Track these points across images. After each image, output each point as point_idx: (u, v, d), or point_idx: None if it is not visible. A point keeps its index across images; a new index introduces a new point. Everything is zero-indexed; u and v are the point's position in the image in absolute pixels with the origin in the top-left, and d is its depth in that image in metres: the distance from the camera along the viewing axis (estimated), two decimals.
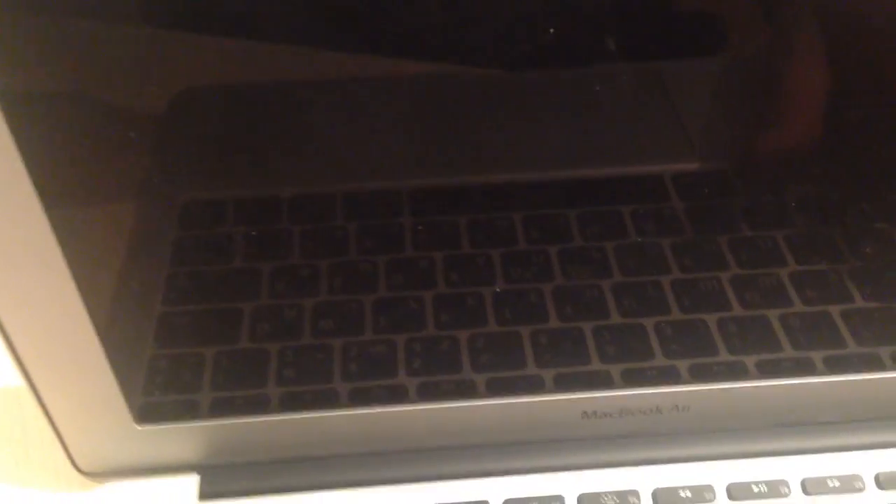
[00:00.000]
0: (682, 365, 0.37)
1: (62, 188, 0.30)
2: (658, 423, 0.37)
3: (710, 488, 0.36)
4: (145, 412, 0.35)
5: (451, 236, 0.38)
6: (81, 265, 0.30)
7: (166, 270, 0.37)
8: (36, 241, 0.29)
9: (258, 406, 0.36)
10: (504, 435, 0.37)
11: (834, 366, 0.36)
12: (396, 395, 0.36)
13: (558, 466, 0.37)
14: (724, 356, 0.37)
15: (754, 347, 0.37)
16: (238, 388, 0.36)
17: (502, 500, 0.36)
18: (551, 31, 0.30)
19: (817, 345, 0.37)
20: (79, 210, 0.32)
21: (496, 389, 0.36)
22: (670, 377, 0.36)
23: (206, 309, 0.38)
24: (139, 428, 0.34)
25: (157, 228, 0.38)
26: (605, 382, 0.36)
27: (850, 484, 0.36)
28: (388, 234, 0.37)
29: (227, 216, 0.37)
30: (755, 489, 0.36)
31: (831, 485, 0.36)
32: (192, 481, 0.36)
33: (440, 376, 0.36)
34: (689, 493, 0.36)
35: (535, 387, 0.36)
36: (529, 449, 0.37)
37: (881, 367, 0.36)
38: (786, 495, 0.36)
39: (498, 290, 0.37)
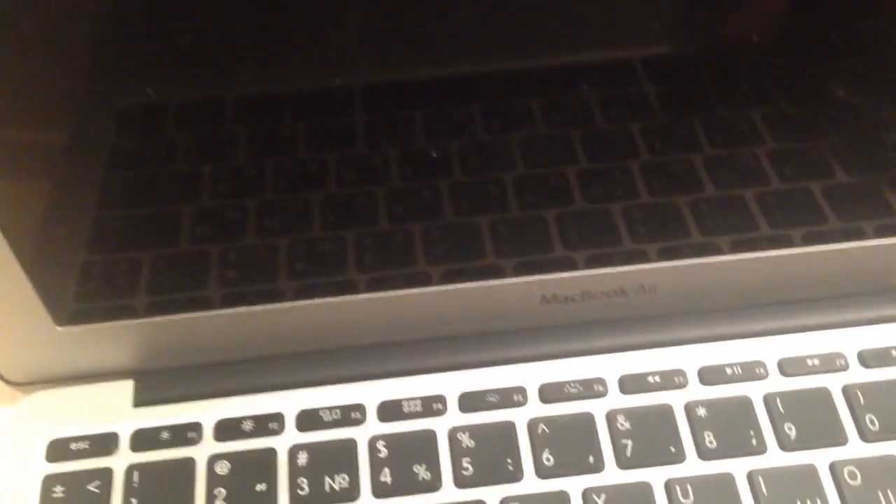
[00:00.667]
0: (651, 248, 0.35)
1: None
2: (623, 307, 0.34)
3: (680, 372, 0.33)
4: (68, 314, 0.32)
5: (405, 130, 0.35)
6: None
7: (101, 175, 0.35)
8: None
9: (194, 304, 0.33)
10: (459, 326, 0.35)
11: (809, 238, 0.34)
12: (342, 288, 0.33)
13: (519, 357, 0.34)
14: (694, 237, 0.34)
15: (726, 226, 0.35)
16: (173, 290, 0.34)
17: (458, 394, 0.33)
18: None
19: (792, 221, 0.35)
20: (7, 100, 0.29)
21: (450, 277, 0.34)
22: (636, 258, 0.34)
23: (143, 213, 0.35)
24: (60, 329, 0.32)
25: (94, 134, 0.35)
26: (565, 265, 0.34)
27: (831, 362, 0.33)
28: (340, 131, 0.35)
29: (168, 120, 0.34)
30: (729, 371, 0.33)
31: (811, 364, 0.34)
32: (126, 386, 0.34)
33: (391, 270, 0.34)
34: (657, 379, 0.33)
35: (492, 273, 0.34)
36: (487, 340, 0.35)
37: (858, 236, 0.34)
38: (763, 377, 0.33)
39: (457, 180, 0.35)
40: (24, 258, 0.30)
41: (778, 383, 0.33)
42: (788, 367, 0.33)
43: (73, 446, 0.33)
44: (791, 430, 0.32)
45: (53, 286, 0.32)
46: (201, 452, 0.33)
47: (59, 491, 0.32)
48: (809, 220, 0.35)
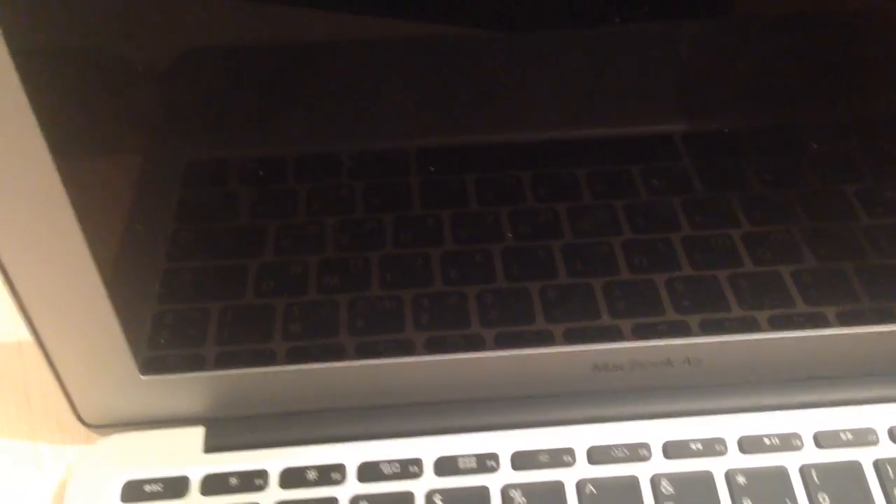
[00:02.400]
0: (694, 319, 0.37)
1: (71, 140, 0.29)
2: (669, 377, 0.36)
3: (721, 441, 0.35)
4: (150, 363, 0.34)
5: (459, 194, 0.37)
6: (88, 217, 0.30)
7: (171, 226, 0.37)
8: (44, 191, 0.29)
9: (262, 358, 0.35)
10: (513, 389, 0.37)
11: (845, 319, 0.36)
12: (402, 349, 0.36)
13: (568, 420, 0.36)
14: (735, 312, 0.37)
15: (765, 302, 0.37)
16: (242, 342, 0.36)
17: (510, 453, 0.35)
18: None
19: (828, 299, 0.37)
20: (87, 162, 0.32)
21: (504, 343, 0.36)
22: (681, 330, 0.36)
23: (211, 265, 0.37)
24: (143, 378, 0.34)
25: (163, 185, 0.37)
26: (615, 335, 0.36)
27: (863, 437, 0.35)
28: (395, 193, 0.37)
29: (232, 175, 0.37)
30: (767, 442, 0.35)
31: (844, 438, 0.36)
32: (197, 433, 0.36)
33: (448, 331, 0.36)
34: (699, 446, 0.35)
35: (544, 340, 0.36)
36: (539, 402, 0.37)
37: (892, 319, 0.36)
38: (798, 448, 0.35)
39: (508, 245, 0.37)
40: (117, 305, 0.32)
41: (813, 455, 0.35)
42: (823, 440, 0.35)
43: (147, 488, 0.34)
44: (825, 501, 0.34)
45: (139, 336, 0.34)
46: (267, 499, 0.34)
47: None
48: (844, 299, 0.37)
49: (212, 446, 0.36)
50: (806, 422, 0.36)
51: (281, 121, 0.35)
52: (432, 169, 0.36)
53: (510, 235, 0.36)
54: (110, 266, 0.32)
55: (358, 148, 0.36)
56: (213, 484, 0.35)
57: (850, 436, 0.36)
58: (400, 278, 0.36)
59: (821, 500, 0.34)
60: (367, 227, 0.37)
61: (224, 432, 0.36)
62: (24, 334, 0.33)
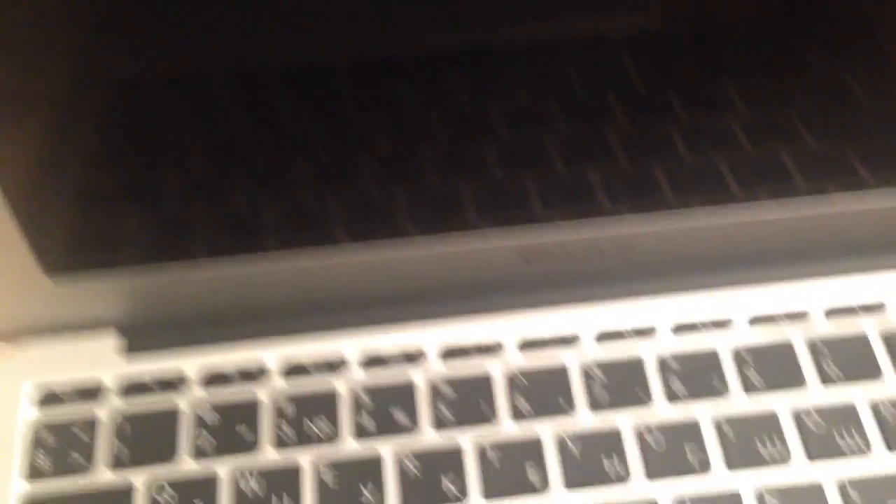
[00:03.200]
0: (624, 204, 0.35)
1: None
2: (600, 267, 0.35)
3: (652, 326, 0.35)
4: (56, 263, 0.33)
5: (392, 93, 0.36)
6: None
7: (93, 126, 0.35)
8: None
9: (177, 255, 0.34)
10: (439, 283, 0.36)
11: (779, 193, 0.35)
12: (324, 239, 0.34)
13: (496, 310, 0.35)
14: (667, 196, 0.36)
15: (696, 184, 0.36)
16: (155, 238, 0.34)
17: (438, 346, 0.35)
18: None
19: (764, 177, 0.36)
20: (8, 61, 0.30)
21: (429, 232, 0.35)
22: (612, 216, 0.35)
23: (118, 154, 0.36)
24: (50, 280, 0.33)
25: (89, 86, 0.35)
26: (543, 223, 0.35)
27: (797, 317, 0.35)
28: (325, 92, 0.35)
29: (159, 80, 0.35)
30: (698, 324, 0.35)
31: (777, 317, 0.35)
32: (113, 337, 0.35)
33: (371, 220, 0.35)
34: (631, 332, 0.34)
35: (470, 229, 0.35)
36: (466, 295, 0.36)
37: (827, 191, 0.35)
38: (729, 329, 0.35)
39: (434, 132, 0.35)
40: (16, 206, 0.31)
41: (745, 336, 0.35)
42: (755, 321, 0.35)
43: (61, 393, 0.33)
44: (756, 379, 0.34)
45: (43, 235, 0.33)
46: (187, 400, 0.33)
47: (46, 436, 0.33)
48: (778, 176, 0.36)
49: (129, 350, 0.35)
50: (737, 304, 0.35)
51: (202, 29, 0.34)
52: (349, 61, 0.35)
53: (437, 123, 0.35)
54: (8, 168, 0.31)
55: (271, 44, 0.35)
56: (131, 387, 0.34)
57: (783, 316, 0.35)
58: (321, 168, 0.35)
59: (752, 378, 0.34)
60: (286, 117, 0.35)
61: (141, 335, 0.35)
62: None
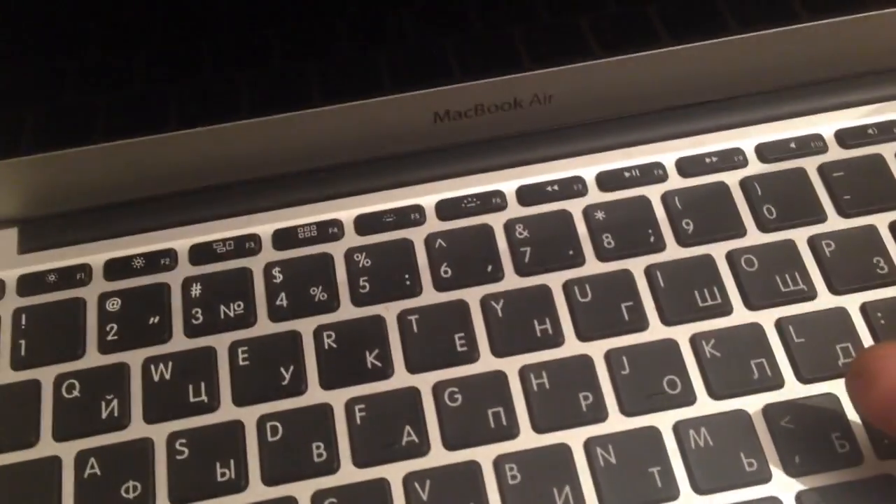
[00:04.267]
0: (539, 48, 0.33)
1: None
2: (519, 121, 0.33)
3: (578, 179, 0.33)
4: None
5: None
6: None
7: None
8: None
9: (73, 139, 0.31)
10: (350, 153, 0.34)
11: (711, 29, 0.33)
12: (224, 114, 0.32)
13: (413, 179, 0.33)
14: (583, 34, 0.33)
15: (616, 26, 0.33)
16: (49, 119, 0.32)
17: (354, 216, 0.33)
18: None
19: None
20: None
21: (334, 94, 0.32)
22: (527, 62, 0.32)
23: (21, 46, 0.33)
24: None
25: None
26: (453, 76, 0.32)
27: (729, 159, 0.33)
28: None
29: None
30: (626, 175, 0.33)
31: (708, 162, 0.33)
32: (10, 234, 0.33)
33: (272, 87, 0.32)
34: (555, 187, 0.33)
35: (377, 87, 0.32)
36: (380, 163, 0.34)
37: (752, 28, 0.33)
38: (661, 179, 0.33)
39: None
40: None
41: (677, 183, 0.33)
42: (686, 166, 0.33)
43: None
44: (689, 226, 0.32)
45: None
46: (91, 292, 0.32)
47: None
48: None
49: (26, 247, 0.33)
50: (667, 151, 0.33)
51: None
52: None
53: None
54: None
55: None
56: (31, 283, 0.32)
57: (715, 158, 0.33)
58: (220, 36, 0.31)
59: (685, 225, 0.32)
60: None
61: (39, 231, 0.33)
62: None
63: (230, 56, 0.32)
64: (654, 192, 0.33)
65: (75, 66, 0.31)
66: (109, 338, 0.31)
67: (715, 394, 0.29)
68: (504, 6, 0.32)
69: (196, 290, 0.32)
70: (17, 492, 0.28)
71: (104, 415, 0.29)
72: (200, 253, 0.32)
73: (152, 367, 0.30)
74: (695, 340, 0.30)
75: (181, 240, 0.33)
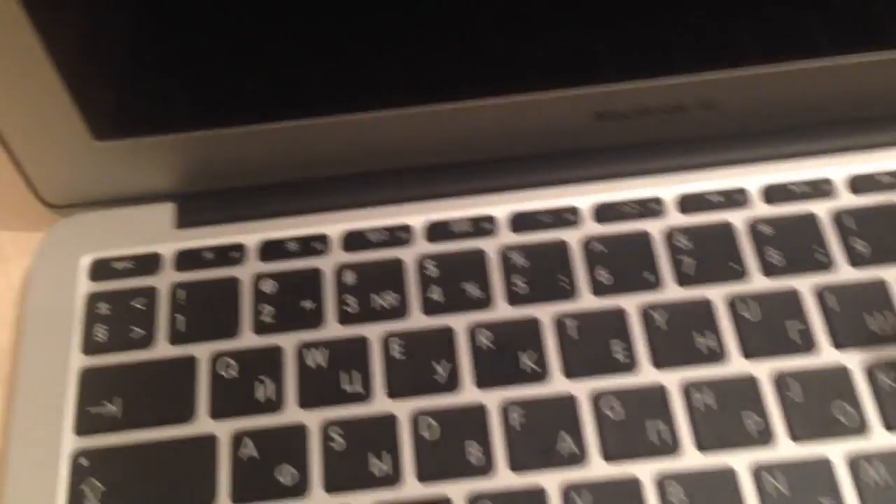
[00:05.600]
0: (709, 52, 0.32)
1: None
2: (681, 126, 0.33)
3: (741, 191, 0.32)
4: (105, 126, 0.31)
5: None
6: None
7: None
8: None
9: (233, 116, 0.31)
10: (508, 148, 0.33)
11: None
12: (384, 100, 0.31)
13: (570, 178, 0.33)
14: (757, 41, 0.32)
15: (790, 34, 0.32)
16: (209, 98, 0.32)
17: (509, 214, 0.32)
18: None
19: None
20: None
21: (495, 88, 0.31)
22: (695, 65, 0.31)
23: (182, 23, 0.33)
24: (99, 144, 0.31)
25: None
26: (618, 75, 0.31)
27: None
28: None
29: None
30: (794, 189, 0.32)
31: (882, 181, 0.32)
32: (167, 209, 0.33)
33: (433, 77, 0.31)
34: (720, 198, 0.32)
35: (539, 84, 0.31)
36: (539, 160, 0.33)
37: None
38: (829, 194, 0.32)
39: None
40: (63, 67, 0.29)
41: (847, 200, 0.32)
42: (859, 183, 0.32)
43: (117, 266, 0.32)
44: (861, 246, 0.31)
45: (92, 98, 0.30)
46: (246, 272, 0.32)
47: (103, 308, 0.31)
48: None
49: (184, 222, 0.33)
50: (837, 167, 0.32)
51: None
52: None
53: None
54: (44, 12, 0.28)
55: None
56: (187, 259, 0.32)
57: (889, 178, 0.32)
58: (380, 27, 0.31)
59: (856, 245, 0.31)
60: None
61: (196, 207, 0.33)
62: None
63: (403, 44, 0.32)
64: (821, 209, 0.32)
65: (248, 44, 0.31)
66: (264, 319, 0.31)
67: (891, 426, 0.28)
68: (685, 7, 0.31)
69: (349, 277, 0.32)
70: (174, 466, 0.29)
71: (259, 396, 0.30)
72: (354, 240, 0.32)
73: (306, 351, 0.30)
74: (870, 370, 0.29)
75: (335, 225, 0.33)
